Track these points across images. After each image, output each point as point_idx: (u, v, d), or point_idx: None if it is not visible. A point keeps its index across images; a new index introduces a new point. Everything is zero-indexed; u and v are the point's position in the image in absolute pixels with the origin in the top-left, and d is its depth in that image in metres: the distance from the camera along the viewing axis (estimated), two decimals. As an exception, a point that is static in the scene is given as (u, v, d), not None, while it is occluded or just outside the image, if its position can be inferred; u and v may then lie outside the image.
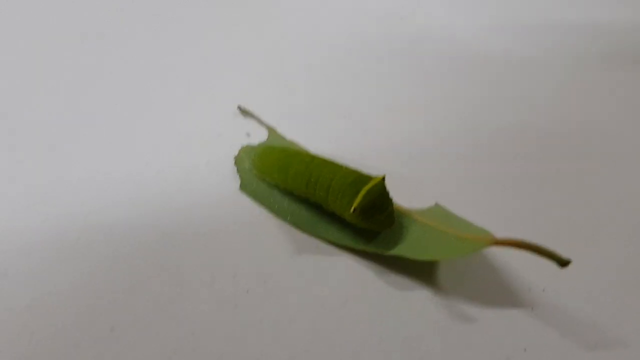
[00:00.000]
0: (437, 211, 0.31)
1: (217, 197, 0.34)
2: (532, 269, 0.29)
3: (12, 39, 0.49)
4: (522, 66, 0.48)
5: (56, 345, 0.25)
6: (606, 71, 0.47)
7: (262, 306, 0.27)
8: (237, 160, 0.36)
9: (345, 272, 0.29)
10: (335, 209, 0.30)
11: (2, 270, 0.29)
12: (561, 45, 0.51)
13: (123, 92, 0.43)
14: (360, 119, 0.41)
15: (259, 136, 0.39)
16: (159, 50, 0.49)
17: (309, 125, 0.40)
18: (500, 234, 0.26)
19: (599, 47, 0.51)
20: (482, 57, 0.49)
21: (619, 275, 0.29)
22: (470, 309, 0.27)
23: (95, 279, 0.28)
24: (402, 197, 0.31)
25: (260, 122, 0.40)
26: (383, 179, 0.29)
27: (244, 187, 0.34)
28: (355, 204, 0.28)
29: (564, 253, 0.24)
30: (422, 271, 0.29)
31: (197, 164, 0.36)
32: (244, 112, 0.40)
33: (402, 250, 0.29)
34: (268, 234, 0.31)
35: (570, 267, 0.24)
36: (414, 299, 0.28)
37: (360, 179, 0.29)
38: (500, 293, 0.28)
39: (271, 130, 0.39)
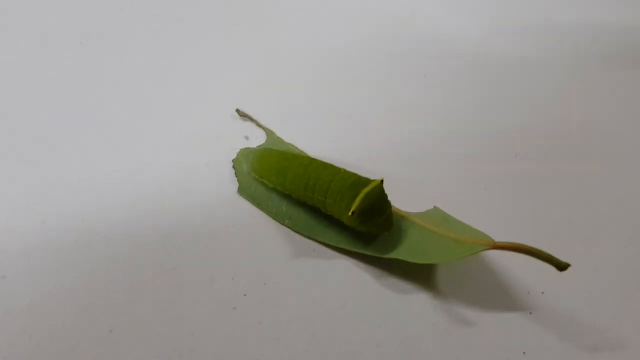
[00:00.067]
0: (436, 214, 0.31)
1: (215, 199, 0.34)
2: (531, 271, 0.29)
3: (12, 38, 0.49)
4: (522, 66, 0.48)
5: (55, 346, 0.25)
6: (606, 72, 0.47)
7: (260, 308, 0.27)
8: (236, 163, 0.36)
9: (343, 275, 0.29)
10: (334, 212, 0.30)
11: (1, 271, 0.29)
12: (561, 45, 0.51)
13: (122, 93, 0.43)
14: (358, 121, 0.41)
15: (257, 139, 0.39)
16: (158, 51, 0.49)
17: (307, 128, 0.40)
18: (500, 235, 0.26)
19: (599, 48, 0.51)
20: (482, 57, 0.49)
21: (619, 277, 0.29)
22: (469, 312, 0.27)
23: (94, 280, 0.28)
24: (400, 200, 0.31)
25: (258, 124, 0.40)
26: (381, 181, 0.28)
27: (242, 189, 0.34)
28: (353, 207, 0.28)
29: (563, 254, 0.24)
30: (420, 274, 0.29)
31: (195, 166, 0.36)
32: (242, 115, 0.40)
33: (400, 253, 0.28)
34: (267, 236, 0.31)
35: (569, 269, 0.24)
36: (412, 302, 0.28)
37: (358, 181, 0.29)
38: (499, 296, 0.28)
39: (269, 133, 0.39)
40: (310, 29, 0.53)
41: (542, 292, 0.28)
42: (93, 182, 0.34)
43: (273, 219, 0.32)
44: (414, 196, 0.33)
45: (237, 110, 0.41)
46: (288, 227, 0.32)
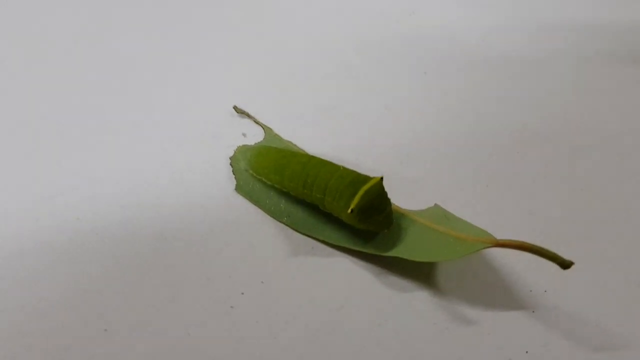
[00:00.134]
0: (436, 212, 0.30)
1: (212, 196, 0.33)
2: (533, 269, 0.28)
3: (11, 38, 0.49)
4: (523, 64, 0.48)
5: (49, 346, 0.25)
6: (608, 71, 0.47)
7: (258, 308, 0.27)
8: (233, 161, 0.36)
9: (342, 274, 0.29)
10: (333, 209, 0.30)
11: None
12: (562, 45, 0.51)
13: (118, 92, 0.43)
14: (358, 118, 0.41)
15: (255, 136, 0.38)
16: (155, 48, 0.49)
17: (306, 125, 0.39)
18: (501, 234, 0.26)
19: (602, 46, 0.51)
20: (483, 54, 0.49)
21: (622, 276, 0.29)
22: (470, 311, 0.27)
23: (89, 279, 0.28)
24: (400, 197, 0.31)
25: (256, 121, 0.40)
26: (381, 179, 0.28)
27: (239, 187, 0.34)
28: (352, 205, 0.27)
29: (565, 254, 0.24)
30: (421, 272, 0.29)
31: (192, 163, 0.36)
32: (240, 112, 0.40)
33: (400, 251, 0.28)
34: (264, 234, 0.31)
35: (572, 267, 0.24)
36: (412, 301, 0.28)
37: (358, 179, 0.29)
38: (500, 294, 0.28)
39: (267, 130, 0.39)
40: (309, 25, 0.53)
41: (545, 291, 0.28)
42: (88, 180, 0.34)
43: (271, 216, 0.32)
44: (414, 194, 0.33)
45: (235, 107, 0.40)
46: (286, 225, 0.32)
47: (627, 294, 0.28)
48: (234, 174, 0.35)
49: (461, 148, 0.38)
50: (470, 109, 0.42)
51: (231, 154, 0.36)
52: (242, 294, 0.28)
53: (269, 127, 0.39)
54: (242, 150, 0.36)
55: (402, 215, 0.30)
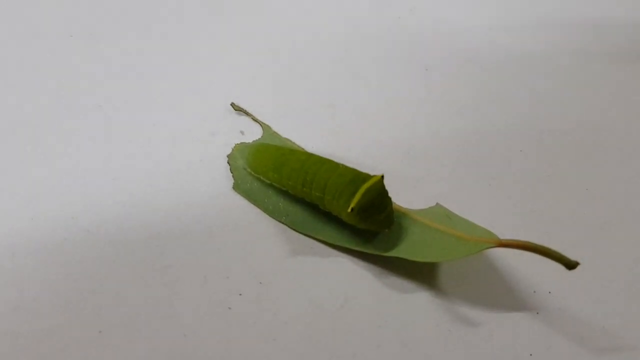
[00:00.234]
0: (438, 211, 0.30)
1: (210, 195, 0.33)
2: (537, 270, 0.28)
3: (9, 38, 0.48)
4: (526, 61, 0.47)
5: (43, 347, 0.25)
6: (610, 70, 0.47)
7: (256, 308, 0.27)
8: (231, 159, 0.35)
9: (342, 274, 0.29)
10: (332, 208, 0.29)
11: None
12: (563, 43, 0.51)
13: (114, 89, 0.42)
14: (358, 116, 0.40)
15: (253, 133, 0.38)
16: (151, 45, 0.48)
17: (304, 122, 0.39)
18: (504, 233, 0.26)
19: (604, 43, 0.50)
20: (485, 51, 0.48)
21: (628, 277, 0.29)
22: (472, 312, 0.27)
23: (84, 279, 0.28)
24: (401, 196, 0.31)
25: (254, 119, 0.39)
26: (382, 177, 0.28)
27: (237, 186, 0.33)
28: (352, 204, 0.27)
29: (569, 254, 0.23)
30: (422, 273, 0.28)
31: (189, 161, 0.35)
32: (238, 109, 0.40)
33: (401, 251, 0.28)
34: (263, 234, 0.31)
35: (576, 268, 0.23)
36: (413, 302, 0.27)
37: (358, 177, 0.28)
38: (504, 296, 0.28)
39: (266, 128, 0.38)
40: (308, 21, 0.53)
41: (549, 292, 0.27)
42: (84, 179, 0.34)
43: (269, 216, 0.32)
44: (416, 193, 0.32)
45: (232, 105, 0.40)
46: (285, 224, 0.31)
47: (633, 295, 0.28)
48: (231, 172, 0.34)
49: (463, 146, 0.37)
50: (473, 106, 0.42)
51: (229, 151, 0.36)
52: (240, 294, 0.27)
53: (267, 125, 0.38)
54: (240, 148, 0.36)
55: (403, 214, 0.30)
